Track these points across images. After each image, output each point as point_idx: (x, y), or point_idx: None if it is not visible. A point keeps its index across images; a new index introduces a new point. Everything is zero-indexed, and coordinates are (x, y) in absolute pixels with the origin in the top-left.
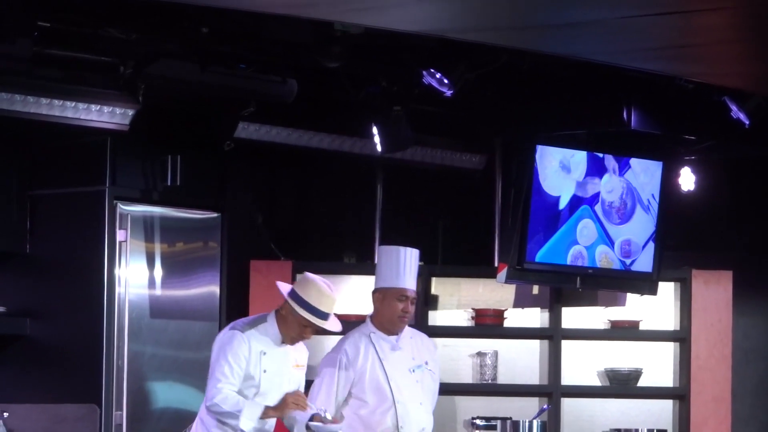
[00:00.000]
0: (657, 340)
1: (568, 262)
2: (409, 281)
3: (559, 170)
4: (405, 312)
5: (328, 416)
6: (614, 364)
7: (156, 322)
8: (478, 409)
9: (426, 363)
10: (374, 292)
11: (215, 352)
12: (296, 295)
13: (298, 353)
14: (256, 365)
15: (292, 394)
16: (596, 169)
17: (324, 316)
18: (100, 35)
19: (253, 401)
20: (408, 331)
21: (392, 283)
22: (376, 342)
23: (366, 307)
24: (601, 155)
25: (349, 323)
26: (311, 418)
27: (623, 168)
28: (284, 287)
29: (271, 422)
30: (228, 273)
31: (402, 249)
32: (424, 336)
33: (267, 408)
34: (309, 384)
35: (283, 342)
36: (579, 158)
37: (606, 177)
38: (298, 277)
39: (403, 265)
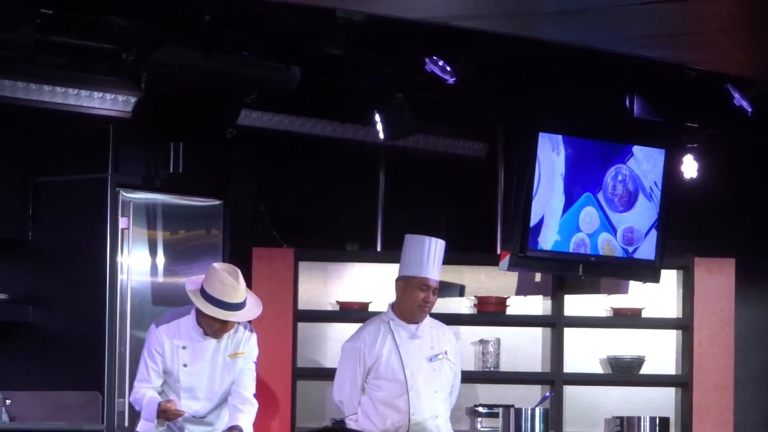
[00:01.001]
0: (659, 328)
1: (571, 250)
2: (432, 271)
3: (560, 158)
4: (426, 302)
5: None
6: (617, 352)
7: (158, 310)
8: (481, 396)
9: (445, 353)
10: (397, 280)
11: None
12: (203, 291)
13: (237, 341)
14: (173, 360)
15: (164, 402)
16: (600, 158)
17: (234, 307)
18: (102, 22)
19: (151, 400)
20: (429, 321)
21: (415, 272)
22: (395, 329)
23: (368, 295)
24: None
25: (351, 311)
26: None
27: (625, 156)
28: (194, 283)
29: (214, 417)
30: (230, 260)
31: (427, 239)
32: (444, 326)
33: (158, 408)
34: (305, 371)
35: (206, 335)
36: (581, 146)
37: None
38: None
39: (428, 255)
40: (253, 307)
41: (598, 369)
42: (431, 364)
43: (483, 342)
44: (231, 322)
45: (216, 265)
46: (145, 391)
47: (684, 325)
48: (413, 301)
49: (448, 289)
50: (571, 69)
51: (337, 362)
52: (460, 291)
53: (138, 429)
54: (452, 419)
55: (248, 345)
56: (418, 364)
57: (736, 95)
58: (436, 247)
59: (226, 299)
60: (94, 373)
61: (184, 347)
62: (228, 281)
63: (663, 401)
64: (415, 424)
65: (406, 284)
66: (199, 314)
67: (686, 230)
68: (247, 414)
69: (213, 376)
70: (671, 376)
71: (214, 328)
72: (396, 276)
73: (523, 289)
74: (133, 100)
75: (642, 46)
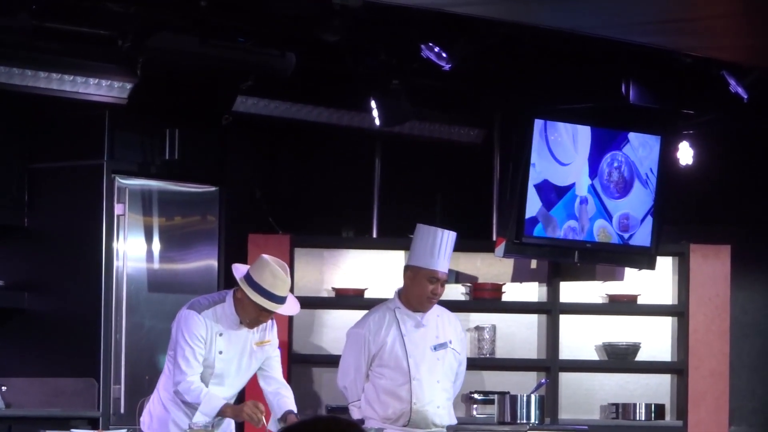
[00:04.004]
0: (655, 315)
1: (562, 236)
2: (442, 264)
3: (557, 144)
4: (434, 294)
5: None
6: (612, 339)
7: (154, 296)
8: (476, 383)
9: (450, 342)
10: (406, 269)
11: (174, 330)
12: (251, 279)
13: (263, 329)
14: (211, 347)
15: (251, 403)
16: (596, 145)
17: (279, 300)
18: (98, 8)
19: (214, 396)
20: (435, 309)
21: (425, 264)
22: (401, 318)
23: (364, 281)
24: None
25: (347, 297)
26: None
27: (621, 142)
28: (239, 270)
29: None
30: (226, 247)
31: (440, 231)
32: (451, 314)
33: (225, 406)
34: (303, 356)
35: (242, 324)
36: (577, 132)
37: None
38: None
39: (439, 247)
40: (292, 303)
41: (593, 355)
42: (435, 353)
43: (479, 329)
44: (268, 314)
45: (266, 256)
46: (200, 384)
47: (679, 311)
48: (421, 292)
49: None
50: (568, 55)
51: (333, 349)
52: (456, 277)
53: (195, 421)
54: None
55: (272, 333)
56: (422, 353)
57: (732, 82)
58: (447, 239)
59: (275, 291)
60: (90, 359)
61: (221, 334)
62: (279, 274)
63: (658, 388)
64: (416, 413)
65: (415, 274)
66: (239, 303)
67: (682, 217)
68: (291, 398)
69: (240, 363)
70: (667, 363)
71: (252, 318)
72: (401, 263)
73: (518, 276)
74: (129, 86)
75: (638, 32)
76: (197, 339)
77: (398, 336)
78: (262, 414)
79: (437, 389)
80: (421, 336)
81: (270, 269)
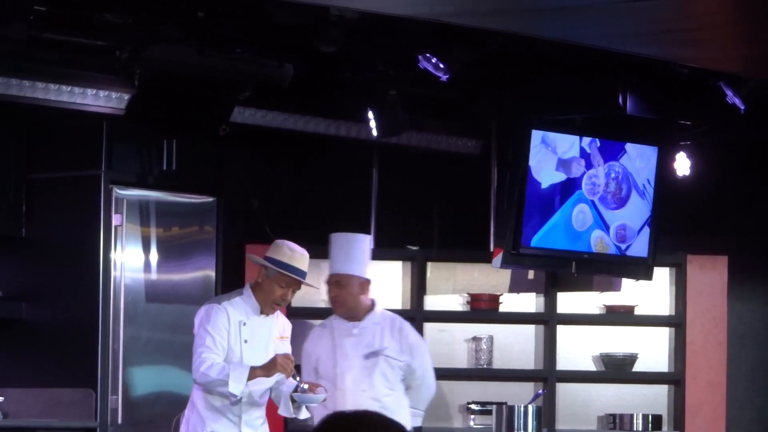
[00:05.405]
0: (652, 325)
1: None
2: (331, 265)
3: (554, 154)
4: (331, 295)
5: (305, 386)
6: (609, 349)
7: (151, 306)
8: (474, 394)
9: (384, 349)
10: None
11: (195, 328)
12: (271, 259)
13: (281, 325)
14: (236, 337)
15: (282, 355)
16: (592, 155)
17: (302, 273)
18: (96, 19)
19: (238, 365)
20: (375, 317)
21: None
22: (336, 328)
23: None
24: (597, 141)
25: None
26: (295, 388)
27: (618, 153)
28: (256, 258)
29: (262, 388)
30: (223, 257)
31: (333, 236)
32: (397, 322)
33: (253, 368)
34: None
35: (262, 312)
36: (576, 143)
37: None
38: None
39: (334, 250)
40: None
41: (590, 366)
42: (365, 362)
43: (476, 339)
44: (293, 288)
45: (279, 240)
46: (219, 360)
47: (677, 322)
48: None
49: (440, 286)
50: (565, 66)
51: None
52: (452, 288)
53: (232, 391)
54: (444, 416)
55: (288, 330)
56: (351, 363)
57: (729, 92)
58: (339, 242)
59: (296, 264)
60: (88, 370)
61: (244, 323)
62: (296, 249)
63: (656, 398)
64: None
65: None
66: (258, 287)
67: (679, 227)
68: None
69: (267, 354)
70: (664, 374)
71: (276, 296)
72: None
73: (516, 287)
74: (126, 96)
75: (635, 43)
76: (218, 329)
77: (329, 346)
78: (292, 363)
79: (363, 398)
80: (352, 345)
81: (287, 246)
